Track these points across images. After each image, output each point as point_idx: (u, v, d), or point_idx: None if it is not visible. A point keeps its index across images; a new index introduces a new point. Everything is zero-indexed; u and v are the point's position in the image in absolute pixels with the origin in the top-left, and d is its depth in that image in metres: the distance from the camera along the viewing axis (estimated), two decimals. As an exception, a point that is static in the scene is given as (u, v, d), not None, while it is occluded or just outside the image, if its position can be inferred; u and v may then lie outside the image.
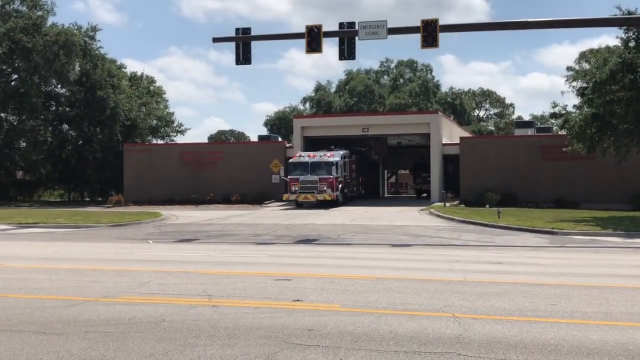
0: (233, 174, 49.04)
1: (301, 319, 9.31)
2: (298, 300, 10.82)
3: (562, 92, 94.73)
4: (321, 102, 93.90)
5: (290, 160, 43.47)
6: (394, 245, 20.87)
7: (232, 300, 10.88)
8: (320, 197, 41.10)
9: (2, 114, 57.13)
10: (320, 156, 43.00)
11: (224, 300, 10.85)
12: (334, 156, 43.19)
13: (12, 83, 57.34)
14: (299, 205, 42.14)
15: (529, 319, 9.29)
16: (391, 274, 13.91)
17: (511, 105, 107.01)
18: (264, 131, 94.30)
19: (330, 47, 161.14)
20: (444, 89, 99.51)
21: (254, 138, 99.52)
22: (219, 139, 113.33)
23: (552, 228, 25.25)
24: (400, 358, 7.37)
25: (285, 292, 11.61)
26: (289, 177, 42.66)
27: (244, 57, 25.05)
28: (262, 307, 10.25)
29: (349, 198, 46.35)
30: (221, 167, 50.02)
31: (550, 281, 12.82)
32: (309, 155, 43.34)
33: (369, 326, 8.87)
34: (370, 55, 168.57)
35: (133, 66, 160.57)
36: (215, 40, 26.81)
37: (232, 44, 25.39)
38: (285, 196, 42.99)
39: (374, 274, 13.89)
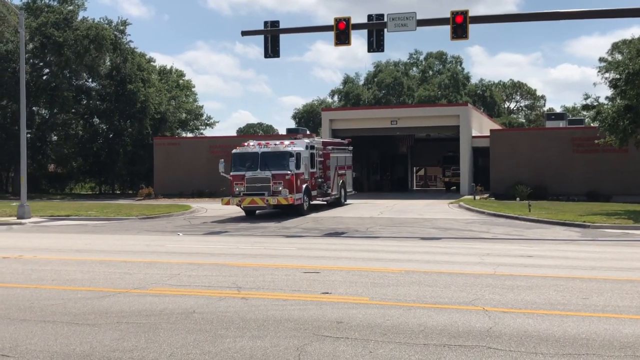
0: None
1: (330, 312, 9.33)
2: (327, 293, 10.84)
3: (594, 84, 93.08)
4: (349, 94, 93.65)
5: (234, 151, 30.41)
6: (423, 239, 20.79)
7: (261, 293, 10.93)
8: (272, 200, 28.39)
9: (34, 108, 57.85)
10: (276, 145, 30.31)
11: (253, 292, 10.91)
12: (295, 145, 30.28)
13: (44, 77, 58.06)
14: (248, 213, 30.66)
15: (560, 313, 9.21)
16: (420, 267, 13.87)
17: (542, 97, 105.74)
18: (292, 124, 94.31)
19: (357, 39, 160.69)
20: (474, 80, 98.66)
21: (282, 131, 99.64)
22: (248, 132, 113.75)
23: (584, 221, 24.94)
24: (430, 351, 7.35)
25: (314, 285, 11.63)
26: (231, 174, 29.70)
27: (272, 50, 25.07)
28: (291, 300, 10.29)
29: (336, 201, 35.53)
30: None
31: (581, 275, 12.68)
32: (259, 144, 30.50)
33: (398, 319, 8.86)
34: (398, 47, 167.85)
35: (160, 60, 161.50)
36: (244, 33, 26.85)
37: (258, 37, 25.49)
38: (224, 200, 29.63)
39: (403, 267, 13.86)
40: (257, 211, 30.96)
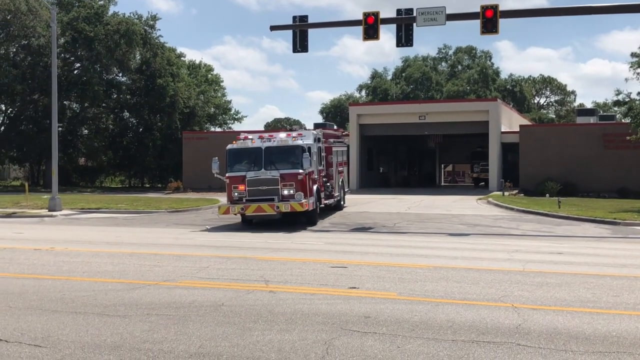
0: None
1: (358, 306, 9.34)
2: (354, 288, 10.85)
3: (626, 79, 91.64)
4: (377, 89, 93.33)
5: (230, 147, 24.14)
6: (450, 234, 20.68)
7: (289, 286, 10.98)
8: (284, 207, 22.44)
9: (65, 102, 58.47)
10: (282, 138, 24.05)
11: (281, 286, 10.96)
12: (304, 137, 24.30)
13: (75, 71, 58.70)
14: (247, 222, 24.19)
15: (591, 310, 9.12)
16: (448, 263, 13.81)
17: (572, 92, 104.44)
18: (320, 119, 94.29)
19: (384, 34, 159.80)
20: (503, 75, 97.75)
21: (309, 126, 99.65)
22: (275, 126, 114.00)
23: (615, 218, 24.62)
24: (458, 347, 7.33)
25: (342, 280, 11.65)
26: (227, 175, 23.53)
27: (300, 45, 25.09)
28: (318, 294, 10.32)
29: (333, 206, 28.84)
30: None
31: (612, 272, 12.54)
32: (260, 137, 24.18)
33: (426, 315, 8.84)
34: (426, 42, 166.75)
35: (189, 54, 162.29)
36: (273, 28, 26.89)
37: (285, 32, 25.58)
38: (222, 209, 23.38)
39: (431, 262, 13.82)
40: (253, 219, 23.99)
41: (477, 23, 23.09)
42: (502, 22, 23.10)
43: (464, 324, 8.35)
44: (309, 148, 23.76)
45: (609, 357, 6.98)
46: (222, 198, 39.24)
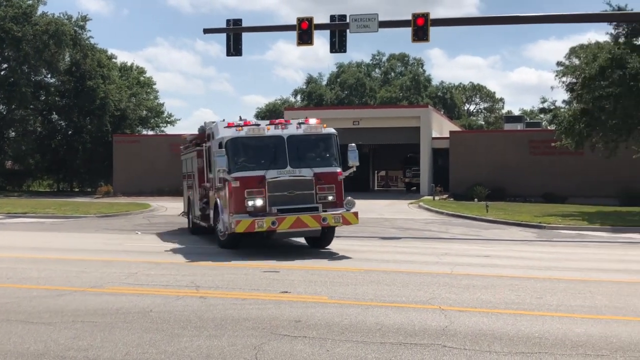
0: (223, 165, 48.83)
1: (289, 311, 9.36)
2: (286, 292, 10.87)
3: (552, 88, 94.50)
4: (312, 94, 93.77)
5: (229, 137, 16.74)
6: (382, 238, 20.93)
7: (219, 292, 10.92)
8: (334, 220, 16.30)
9: (-10, 104, 56.81)
10: (310, 125, 17.34)
11: (212, 292, 10.89)
12: (322, 125, 17.59)
13: (2, 72, 56.96)
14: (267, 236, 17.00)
15: (515, 312, 9.37)
16: (379, 266, 13.98)
17: (501, 99, 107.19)
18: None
19: (319, 39, 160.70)
20: (435, 82, 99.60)
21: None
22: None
23: (540, 222, 25.39)
24: (386, 349, 7.43)
25: (274, 284, 11.65)
26: (233, 175, 16.27)
27: (234, 48, 24.99)
28: (249, 299, 10.29)
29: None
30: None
31: (536, 275, 12.92)
32: (278, 123, 17.35)
33: (356, 318, 8.93)
34: (360, 48, 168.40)
35: (120, 56, 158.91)
36: (206, 31, 26.71)
37: (220, 35, 25.39)
38: (243, 224, 15.70)
39: (362, 266, 13.96)
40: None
41: (409, 31, 23.46)
42: (433, 30, 23.60)
43: (392, 326, 8.47)
44: (337, 138, 17.75)
45: (531, 357, 7.19)
46: (154, 203, 38.62)
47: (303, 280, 12.11)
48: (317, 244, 17.46)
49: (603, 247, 19.10)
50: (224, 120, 17.81)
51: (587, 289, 11.31)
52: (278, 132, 16.79)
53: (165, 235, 21.64)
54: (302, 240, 18.35)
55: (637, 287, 11.46)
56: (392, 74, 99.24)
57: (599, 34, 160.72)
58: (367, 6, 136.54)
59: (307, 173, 16.48)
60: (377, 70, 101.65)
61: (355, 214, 16.62)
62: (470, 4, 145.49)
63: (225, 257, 15.37)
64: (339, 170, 17.07)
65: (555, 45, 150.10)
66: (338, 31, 24.17)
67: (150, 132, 69.94)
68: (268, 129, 16.85)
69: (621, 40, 30.12)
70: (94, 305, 9.76)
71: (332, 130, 17.41)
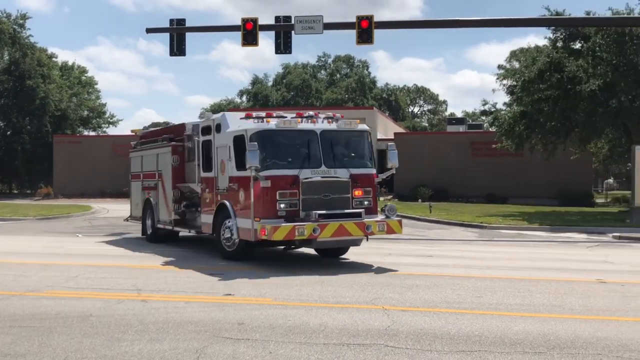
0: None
1: (232, 313, 9.30)
2: (230, 295, 10.80)
3: (493, 90, 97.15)
4: (258, 95, 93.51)
5: (257, 128, 14.22)
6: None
7: (162, 295, 10.78)
8: (378, 228, 14.28)
9: None
10: (339, 120, 15.34)
11: (154, 295, 10.75)
12: (356, 120, 15.78)
13: (-64, 70, 55.22)
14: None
15: (456, 311, 9.52)
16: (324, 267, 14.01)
17: (444, 102, 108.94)
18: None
19: (264, 40, 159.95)
20: (380, 84, 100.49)
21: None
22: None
23: (481, 222, 25.88)
24: (329, 350, 7.45)
25: (218, 287, 11.57)
26: (265, 174, 13.75)
27: (178, 48, 24.76)
28: (193, 302, 10.19)
29: None
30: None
31: (477, 274, 13.15)
32: (307, 116, 15.19)
33: (300, 319, 8.93)
34: (306, 49, 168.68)
35: (61, 55, 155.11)
36: (149, 30, 26.39)
37: (163, 35, 25.09)
38: (282, 231, 13.22)
39: (308, 267, 13.97)
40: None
41: (354, 33, 23.58)
42: (378, 33, 23.83)
43: (336, 327, 8.50)
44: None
45: (471, 355, 7.31)
46: (96, 204, 37.96)
47: (248, 282, 12.06)
48: (332, 254, 15.68)
49: (542, 247, 19.56)
50: (232, 110, 17.13)
51: (525, 287, 11.56)
52: (310, 126, 14.65)
53: (107, 238, 21.26)
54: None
55: (574, 286, 11.77)
56: (338, 75, 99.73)
57: (538, 38, 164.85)
58: (314, 7, 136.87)
59: (342, 174, 14.45)
60: (323, 71, 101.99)
61: (400, 222, 14.88)
62: (414, 7, 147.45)
63: (172, 261, 15.19)
64: (374, 171, 15.37)
65: (497, 49, 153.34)
66: (283, 32, 24.18)
67: (92, 133, 68.72)
68: (299, 122, 14.70)
69: (559, 44, 30.93)
70: (32, 310, 9.52)
71: (366, 127, 15.62)
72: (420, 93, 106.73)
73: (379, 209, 15.35)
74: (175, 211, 17.91)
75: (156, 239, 19.26)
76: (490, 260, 15.52)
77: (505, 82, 37.26)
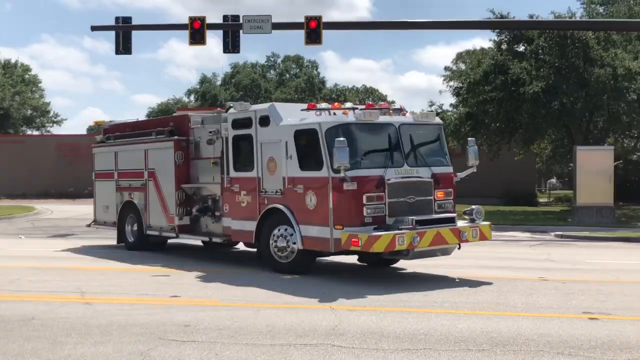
0: (113, 167, 47.63)
1: (178, 315, 9.21)
2: (176, 296, 10.71)
3: (440, 92, 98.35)
4: (206, 94, 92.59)
5: (339, 121, 12.31)
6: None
7: (106, 297, 10.63)
8: (472, 235, 12.72)
9: None
10: (419, 113, 13.72)
11: (98, 297, 10.58)
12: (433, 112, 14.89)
13: None
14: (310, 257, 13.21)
15: (402, 310, 9.62)
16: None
17: (393, 102, 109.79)
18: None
19: (212, 39, 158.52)
20: (329, 85, 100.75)
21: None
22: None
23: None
24: (276, 351, 7.45)
25: (164, 288, 11.46)
26: (352, 175, 11.79)
27: (124, 46, 24.38)
28: (138, 304, 10.07)
29: None
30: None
31: (423, 272, 13.32)
32: (380, 107, 13.28)
33: (247, 320, 8.91)
34: (255, 49, 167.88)
35: (3, 53, 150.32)
36: (94, 28, 25.89)
37: (109, 33, 24.69)
38: (384, 240, 11.36)
39: (258, 266, 13.96)
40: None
41: (303, 33, 23.59)
42: (327, 33, 23.89)
43: (283, 327, 8.50)
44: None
45: (416, 354, 7.40)
46: (39, 205, 37.12)
47: (195, 283, 11.98)
48: (382, 263, 13.92)
49: (486, 245, 19.81)
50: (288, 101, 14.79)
51: (470, 285, 11.75)
52: (388, 119, 12.91)
53: (50, 240, 20.82)
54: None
55: (517, 284, 12.00)
56: (287, 75, 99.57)
57: (484, 40, 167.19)
58: (264, 7, 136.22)
59: (425, 174, 12.83)
60: (272, 71, 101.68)
61: (490, 226, 13.41)
62: (363, 8, 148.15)
63: (116, 262, 14.97)
64: (451, 169, 13.69)
65: (444, 51, 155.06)
66: (231, 32, 24.05)
67: (36, 132, 67.20)
68: (377, 115, 12.79)
69: (504, 46, 31.50)
70: (-30, 315, 9.27)
71: (440, 120, 14.29)
72: (369, 94, 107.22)
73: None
74: (180, 216, 15.55)
75: (142, 247, 16.80)
76: (435, 259, 15.67)
77: (451, 83, 37.74)
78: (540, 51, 29.64)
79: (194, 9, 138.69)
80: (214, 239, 14.85)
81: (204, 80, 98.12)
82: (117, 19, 24.33)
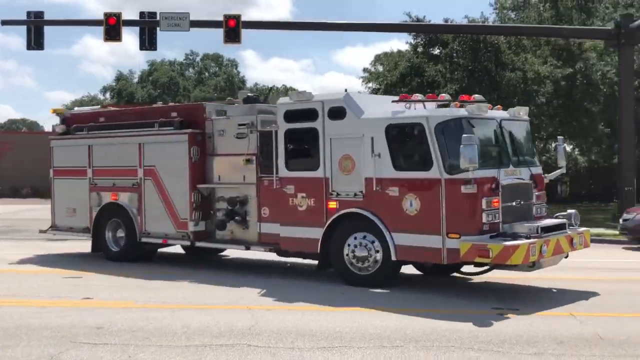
0: (24, 165, 46.11)
1: (91, 318, 9.02)
2: (89, 298, 10.48)
3: (359, 93, 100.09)
4: (122, 92, 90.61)
5: (443, 115, 10.90)
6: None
7: (16, 300, 10.32)
8: (579, 241, 11.47)
9: None
10: (514, 109, 12.45)
11: (8, 300, 10.26)
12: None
13: None
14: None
15: (319, 308, 9.71)
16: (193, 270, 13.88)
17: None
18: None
19: (129, 35, 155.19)
20: (249, 84, 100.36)
21: (48, 128, 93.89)
22: (10, 128, 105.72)
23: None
24: (191, 352, 7.40)
25: (76, 290, 11.19)
26: (475, 178, 10.31)
27: (36, 42, 23.62)
28: (49, 307, 9.80)
29: None
30: (10, 158, 47.09)
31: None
32: (462, 99, 11.48)
33: (162, 322, 8.81)
34: (173, 46, 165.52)
35: None
36: (4, 22, 24.98)
37: (20, 27, 23.89)
38: (520, 253, 9.97)
39: (168, 270, 13.79)
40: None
41: (222, 31, 23.41)
42: (247, 32, 23.80)
43: (199, 328, 8.45)
44: None
45: (331, 351, 7.49)
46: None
47: (108, 285, 11.73)
48: (438, 270, 12.32)
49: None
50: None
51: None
52: (491, 113, 11.59)
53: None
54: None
55: (431, 280, 12.30)
56: (207, 74, 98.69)
57: (401, 43, 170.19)
58: (183, 4, 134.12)
59: (525, 175, 11.60)
60: (190, 69, 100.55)
61: (589, 232, 12.20)
62: (284, 9, 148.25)
63: (32, 265, 14.50)
64: (541, 170, 12.44)
65: (363, 52, 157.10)
66: (148, 28, 23.66)
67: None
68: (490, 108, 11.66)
69: (420, 49, 32.16)
70: None
71: (527, 117, 12.72)
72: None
73: None
74: (196, 221, 13.54)
75: (133, 256, 14.53)
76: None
77: (370, 85, 38.29)
78: (454, 55, 30.41)
79: (110, 5, 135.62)
80: (239, 247, 13.27)
81: (120, 78, 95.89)
82: (28, 13, 23.56)
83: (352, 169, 11.43)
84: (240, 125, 13.13)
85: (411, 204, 10.80)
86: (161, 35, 23.72)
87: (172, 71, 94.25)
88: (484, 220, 10.46)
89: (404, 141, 11.26)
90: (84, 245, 16.30)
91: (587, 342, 7.88)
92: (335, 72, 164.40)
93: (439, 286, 11.69)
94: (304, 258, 12.67)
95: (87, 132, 15.48)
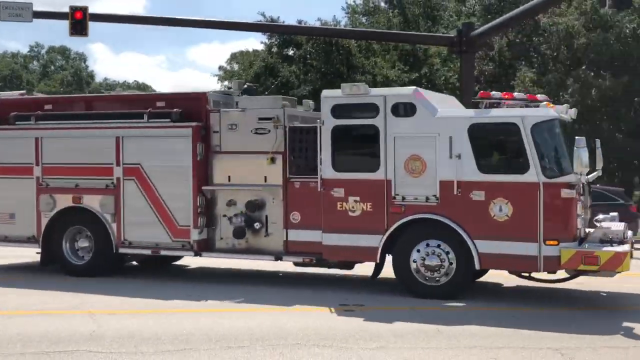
0: None
1: None
2: None
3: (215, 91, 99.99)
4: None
5: (541, 116, 10.16)
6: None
7: None
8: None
9: None
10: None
11: None
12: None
13: None
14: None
15: (164, 311, 9.55)
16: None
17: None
18: None
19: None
20: (98, 79, 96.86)
21: None
22: None
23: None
24: (26, 359, 7.04)
25: None
26: (556, 179, 10.04)
27: None
28: None
29: None
30: None
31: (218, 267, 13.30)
32: (508, 96, 10.78)
33: (-5, 329, 8.32)
34: (16, 37, 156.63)
35: None
36: None
37: None
38: (621, 258, 9.58)
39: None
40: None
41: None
42: (97, 25, 22.91)
43: (36, 335, 8.04)
44: None
45: (176, 355, 7.37)
46: None
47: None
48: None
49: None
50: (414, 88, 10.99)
51: (238, 283, 11.95)
52: (549, 111, 10.42)
53: None
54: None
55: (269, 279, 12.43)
56: (52, 67, 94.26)
57: (257, 42, 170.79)
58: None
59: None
60: (35, 62, 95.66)
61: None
62: (139, 3, 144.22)
63: None
64: None
65: (219, 49, 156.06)
66: (-15, 18, 22.20)
67: None
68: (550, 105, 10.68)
69: (274, 50, 32.45)
70: None
71: None
72: (142, 90, 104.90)
73: None
74: (201, 228, 11.73)
75: (103, 270, 12.35)
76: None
77: (225, 83, 38.14)
78: (308, 56, 30.96)
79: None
80: (261, 258, 11.72)
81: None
82: None
83: (422, 171, 10.49)
84: (261, 119, 11.51)
85: (501, 209, 10.08)
86: (3, 26, 22.33)
87: (14, 64, 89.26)
88: (578, 225, 10.17)
89: (492, 142, 10.63)
90: None
91: (426, 334, 8.26)
92: (191, 69, 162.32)
93: (292, 284, 11.81)
94: (346, 269, 11.67)
95: (34, 122, 12.84)
